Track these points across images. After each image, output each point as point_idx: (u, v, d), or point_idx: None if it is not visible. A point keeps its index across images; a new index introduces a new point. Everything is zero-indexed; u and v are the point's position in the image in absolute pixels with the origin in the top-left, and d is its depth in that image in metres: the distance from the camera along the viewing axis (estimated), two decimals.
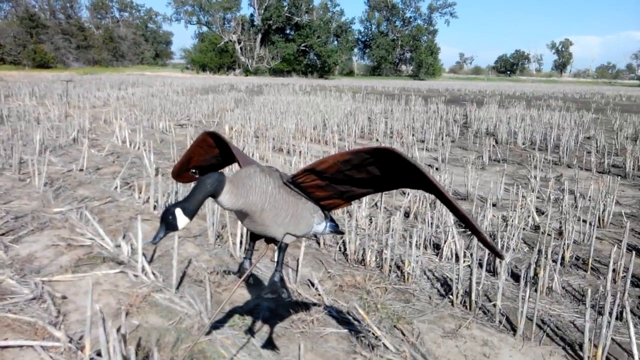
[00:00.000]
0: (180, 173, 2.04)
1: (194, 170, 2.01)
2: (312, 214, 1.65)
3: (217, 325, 2.54)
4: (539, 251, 3.27)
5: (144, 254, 3.10)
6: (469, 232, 1.25)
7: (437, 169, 6.81)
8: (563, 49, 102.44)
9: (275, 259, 1.71)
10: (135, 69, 52.90)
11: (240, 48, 56.74)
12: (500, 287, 2.70)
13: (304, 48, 57.40)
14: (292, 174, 1.63)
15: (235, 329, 2.52)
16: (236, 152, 1.71)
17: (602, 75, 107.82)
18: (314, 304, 2.80)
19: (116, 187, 5.08)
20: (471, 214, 3.69)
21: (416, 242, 3.32)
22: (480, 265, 3.27)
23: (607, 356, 2.35)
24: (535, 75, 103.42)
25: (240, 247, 3.46)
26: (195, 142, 1.89)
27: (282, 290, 1.65)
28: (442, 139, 9.43)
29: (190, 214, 1.35)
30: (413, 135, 9.57)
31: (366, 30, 70.30)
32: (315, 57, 58.15)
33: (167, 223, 1.34)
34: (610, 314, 2.32)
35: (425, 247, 3.67)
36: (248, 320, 2.60)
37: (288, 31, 59.21)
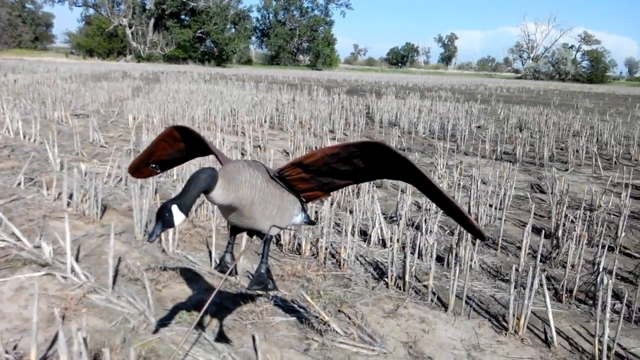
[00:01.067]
0: (139, 168, 1.98)
1: (154, 165, 1.96)
2: (293, 205, 1.70)
3: (163, 323, 2.49)
4: (459, 233, 3.56)
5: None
6: (449, 216, 1.32)
7: None
8: (449, 43, 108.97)
9: (261, 252, 1.73)
10: (12, 53, 48.27)
11: (132, 33, 53.76)
12: (432, 268, 2.92)
13: (200, 35, 55.70)
14: (278, 168, 1.66)
15: (183, 325, 2.49)
16: (212, 147, 1.71)
17: (483, 67, 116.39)
18: (259, 295, 2.84)
19: (19, 184, 4.69)
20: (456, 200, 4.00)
21: (351, 229, 3.47)
22: (413, 249, 3.49)
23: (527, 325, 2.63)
24: (424, 67, 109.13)
25: (173, 242, 3.38)
26: (160, 136, 1.85)
27: (268, 282, 1.68)
28: (350, 129, 9.74)
29: (186, 210, 1.35)
30: (323, 125, 9.77)
31: (264, 18, 69.83)
32: (212, 45, 56.68)
33: (164, 220, 1.32)
34: (531, 287, 2.60)
35: (354, 234, 3.83)
36: (195, 315, 2.58)
37: (183, 17, 57.04)
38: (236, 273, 1.77)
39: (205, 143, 1.72)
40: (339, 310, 2.72)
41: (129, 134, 7.96)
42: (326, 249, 3.39)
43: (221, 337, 2.39)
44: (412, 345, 2.44)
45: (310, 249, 3.46)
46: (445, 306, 2.84)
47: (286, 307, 2.72)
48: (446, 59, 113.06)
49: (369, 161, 1.51)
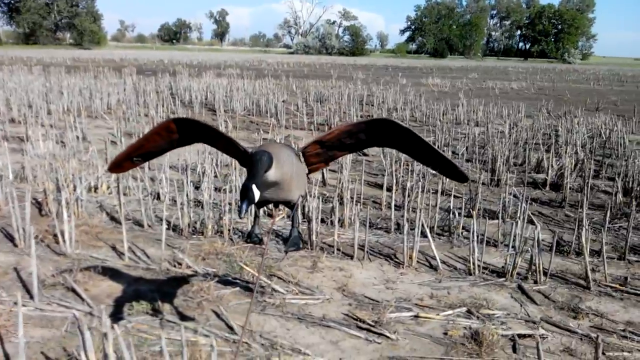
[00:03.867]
0: (121, 164, 1.99)
1: (137, 158, 1.99)
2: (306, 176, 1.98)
3: (117, 317, 2.50)
4: (338, 196, 4.12)
5: None
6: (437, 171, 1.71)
7: None
8: (221, 19, 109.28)
9: (291, 219, 1.95)
10: None
11: None
12: (336, 226, 3.42)
13: None
14: (302, 145, 1.91)
15: (138, 315, 2.54)
16: (225, 135, 1.85)
17: (255, 43, 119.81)
18: (190, 276, 2.98)
19: None
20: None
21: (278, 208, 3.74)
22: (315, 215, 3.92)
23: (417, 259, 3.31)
24: (199, 44, 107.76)
25: (70, 243, 3.23)
26: (155, 129, 1.90)
27: (300, 242, 1.94)
28: (167, 112, 9.57)
29: (259, 187, 1.55)
30: (140, 107, 9.39)
31: None
32: None
33: (249, 198, 1.51)
34: (416, 229, 3.28)
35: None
36: (144, 304, 2.63)
37: None
38: (262, 242, 1.98)
39: (216, 131, 1.86)
40: (272, 275, 3.03)
41: None
42: (229, 227, 3.62)
43: (185, 317, 2.52)
44: (344, 288, 2.91)
45: (213, 228, 3.64)
46: (349, 256, 3.37)
47: (224, 281, 2.93)
48: (219, 35, 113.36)
49: (372, 134, 1.88)
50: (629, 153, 6.46)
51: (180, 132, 1.94)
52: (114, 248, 3.34)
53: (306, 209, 3.53)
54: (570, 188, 4.91)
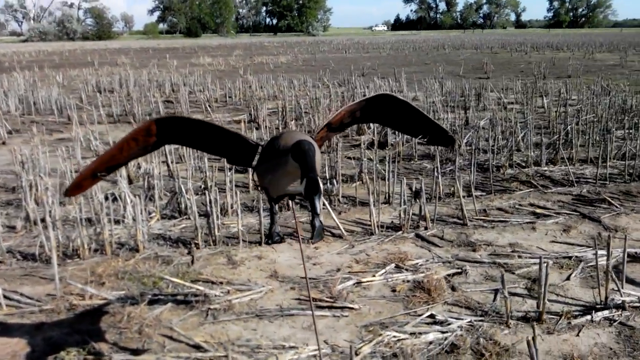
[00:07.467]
0: (82, 183, 1.56)
1: (102, 172, 1.59)
2: None
3: None
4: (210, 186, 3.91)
5: None
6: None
7: None
8: None
9: (311, 209, 1.77)
10: None
11: None
12: (239, 215, 3.27)
13: None
14: (316, 130, 1.75)
15: None
16: (228, 129, 1.61)
17: None
18: (104, 305, 2.55)
19: None
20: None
21: (148, 212, 3.31)
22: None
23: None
24: None
25: None
26: (132, 135, 1.55)
27: (324, 233, 1.80)
28: None
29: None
30: None
31: None
32: None
33: (320, 191, 1.39)
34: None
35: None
36: (74, 351, 2.17)
37: None
38: (283, 240, 1.80)
39: (214, 126, 1.60)
40: (195, 280, 2.78)
41: None
42: (109, 241, 3.16)
43: (137, 351, 2.17)
44: (276, 275, 2.84)
45: (89, 246, 3.13)
46: (256, 242, 3.27)
47: (149, 300, 2.58)
48: None
49: (369, 110, 1.86)
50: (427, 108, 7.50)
51: (161, 134, 1.63)
52: None
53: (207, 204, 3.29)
54: (397, 144, 5.54)
